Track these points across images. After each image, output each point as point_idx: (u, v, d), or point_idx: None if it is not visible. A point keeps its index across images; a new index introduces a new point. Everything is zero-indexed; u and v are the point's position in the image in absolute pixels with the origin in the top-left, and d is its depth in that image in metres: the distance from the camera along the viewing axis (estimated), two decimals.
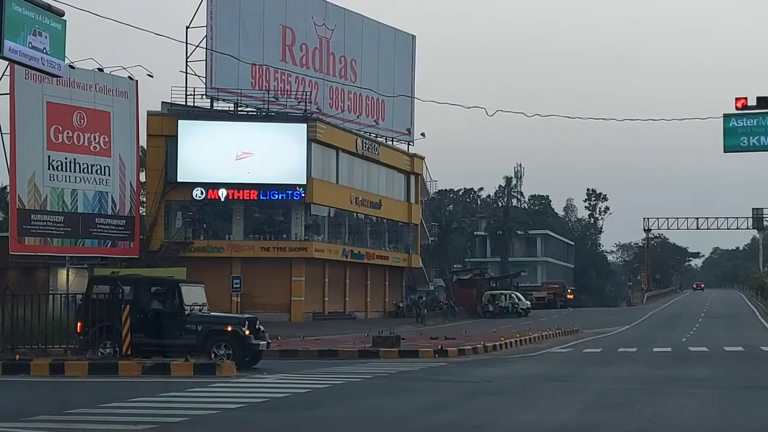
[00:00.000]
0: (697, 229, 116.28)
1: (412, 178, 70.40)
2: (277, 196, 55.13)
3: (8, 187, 52.28)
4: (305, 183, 55.30)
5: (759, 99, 29.21)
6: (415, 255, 70.54)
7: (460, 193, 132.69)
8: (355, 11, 65.33)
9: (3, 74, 44.73)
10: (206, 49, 53.95)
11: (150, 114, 54.08)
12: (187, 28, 54.99)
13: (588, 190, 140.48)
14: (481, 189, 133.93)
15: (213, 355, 23.54)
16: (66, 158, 48.12)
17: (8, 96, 45.45)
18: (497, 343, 32.85)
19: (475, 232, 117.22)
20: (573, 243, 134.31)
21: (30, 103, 46.13)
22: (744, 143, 30.16)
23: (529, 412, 15.61)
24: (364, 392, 18.74)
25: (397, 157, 68.31)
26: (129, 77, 51.09)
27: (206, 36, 54.46)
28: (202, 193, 53.80)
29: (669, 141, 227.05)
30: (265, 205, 56.67)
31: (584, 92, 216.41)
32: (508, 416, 15.23)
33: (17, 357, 22.94)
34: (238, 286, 50.09)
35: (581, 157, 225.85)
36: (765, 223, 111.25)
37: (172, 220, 55.83)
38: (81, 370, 21.79)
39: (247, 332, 24.36)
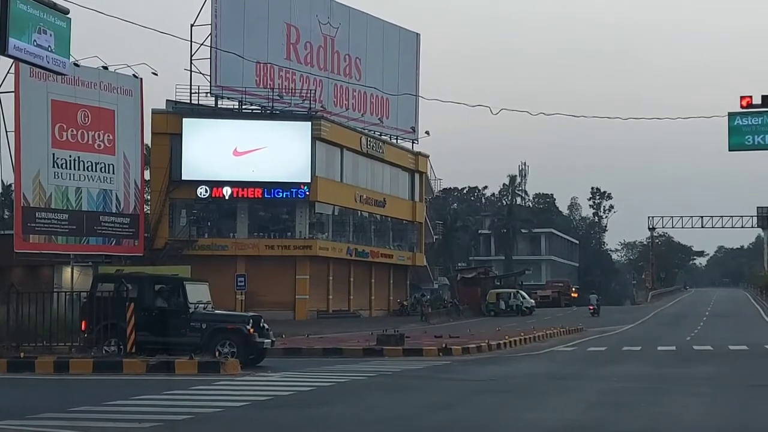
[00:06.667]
0: (702, 227, 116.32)
1: (417, 176, 70.40)
2: (281, 194, 55.20)
3: (13, 185, 52.37)
4: (309, 181, 55.35)
5: (764, 97, 29.21)
6: (419, 253, 70.54)
7: (465, 191, 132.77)
8: (359, 9, 65.37)
9: (8, 72, 44.80)
10: (211, 47, 53.98)
11: (154, 112, 54.12)
12: (192, 26, 55.14)
13: (592, 188, 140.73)
14: (486, 187, 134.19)
15: (217, 353, 23.53)
16: (70, 156, 48.15)
17: (13, 94, 45.48)
18: (501, 342, 32.84)
19: (479, 231, 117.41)
20: (577, 241, 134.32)
21: (35, 101, 46.14)
22: (749, 142, 30.18)
23: (534, 411, 15.60)
24: (368, 390, 18.74)
25: (402, 155, 68.31)
26: (133, 75, 51.12)
27: (211, 34, 54.49)
28: (206, 192, 53.86)
29: (674, 140, 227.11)
30: (270, 204, 56.69)
31: (588, 91, 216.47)
32: (513, 415, 15.22)
33: (22, 355, 22.97)
34: (243, 284, 50.20)
35: (586, 156, 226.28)
36: None
37: (177, 218, 55.89)
38: (85, 367, 21.80)
39: (251, 330, 24.38)
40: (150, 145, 56.65)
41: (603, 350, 32.43)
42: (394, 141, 68.11)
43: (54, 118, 47.30)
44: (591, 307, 65.07)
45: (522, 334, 37.47)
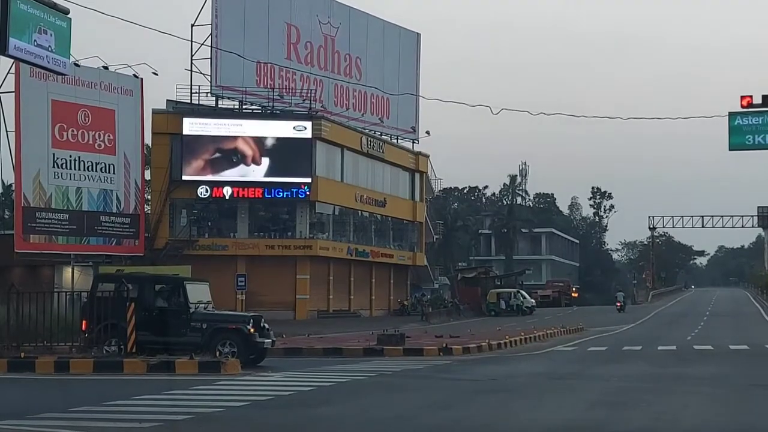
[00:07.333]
0: (702, 227, 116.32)
1: (417, 176, 70.39)
2: (281, 194, 55.19)
3: (13, 185, 52.38)
4: (310, 181, 55.34)
5: (764, 97, 29.21)
6: (419, 253, 70.53)
7: (465, 191, 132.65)
8: (359, 9, 65.37)
9: (8, 72, 44.81)
10: (211, 47, 54.00)
11: (155, 112, 54.12)
12: (192, 26, 55.17)
13: (593, 188, 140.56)
14: (486, 187, 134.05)
15: (218, 353, 23.54)
16: (71, 156, 48.18)
17: (13, 94, 45.49)
18: (502, 342, 32.82)
19: (479, 231, 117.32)
20: (578, 241, 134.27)
21: (35, 101, 46.16)
22: (749, 141, 30.20)
23: (534, 411, 15.59)
24: (368, 390, 18.73)
25: (402, 155, 68.30)
26: (134, 75, 51.18)
27: (211, 34, 54.51)
28: (206, 191, 53.85)
29: (674, 140, 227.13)
30: (270, 203, 56.70)
31: (589, 91, 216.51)
32: (513, 415, 15.21)
33: (22, 355, 22.96)
34: (243, 284, 50.18)
35: (586, 156, 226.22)
36: None
37: (177, 218, 55.89)
38: (86, 367, 21.80)
39: (251, 330, 24.37)
40: (150, 145, 56.64)
41: (603, 350, 32.40)
42: (395, 141, 68.10)
43: (54, 118, 47.32)
44: (618, 304, 71.45)
45: (522, 333, 37.46)
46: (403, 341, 30.64)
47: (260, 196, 55.06)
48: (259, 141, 54.88)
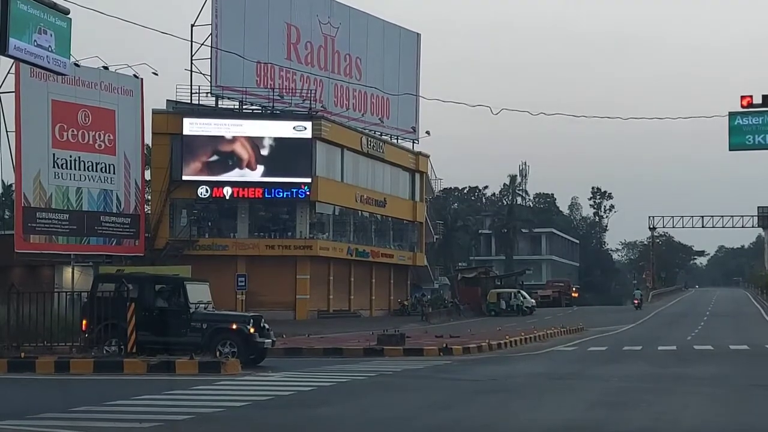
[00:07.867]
0: (702, 227, 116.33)
1: (417, 176, 70.37)
2: (281, 194, 55.17)
3: (14, 185, 52.39)
4: (310, 181, 55.33)
5: (764, 97, 29.22)
6: (419, 253, 70.51)
7: (465, 191, 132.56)
8: (359, 9, 65.35)
9: (8, 72, 44.79)
10: (211, 47, 53.98)
11: (155, 112, 54.10)
12: (192, 26, 55.15)
13: (593, 188, 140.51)
14: (486, 187, 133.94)
15: (218, 353, 23.55)
16: (71, 156, 48.17)
17: (13, 94, 45.48)
18: (502, 342, 32.82)
19: (479, 231, 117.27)
20: (578, 241, 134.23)
21: (35, 101, 46.15)
22: (749, 141, 30.23)
23: (534, 411, 15.60)
24: (368, 390, 18.73)
25: (402, 155, 68.28)
26: (134, 75, 51.17)
27: (211, 34, 54.48)
28: (207, 191, 53.84)
29: (674, 140, 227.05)
30: (270, 204, 56.68)
31: (589, 91, 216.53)
32: (513, 415, 15.21)
33: (23, 355, 22.97)
34: (243, 284, 50.16)
35: (586, 156, 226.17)
36: None
37: (177, 218, 55.88)
38: (86, 367, 21.81)
39: (252, 330, 24.39)
40: (150, 145, 56.63)
41: (603, 350, 32.40)
42: (395, 141, 68.08)
43: (54, 118, 47.31)
44: (636, 301, 75.89)
45: (522, 333, 37.45)
46: (403, 341, 30.63)
47: (260, 196, 55.06)
48: (259, 141, 54.88)
